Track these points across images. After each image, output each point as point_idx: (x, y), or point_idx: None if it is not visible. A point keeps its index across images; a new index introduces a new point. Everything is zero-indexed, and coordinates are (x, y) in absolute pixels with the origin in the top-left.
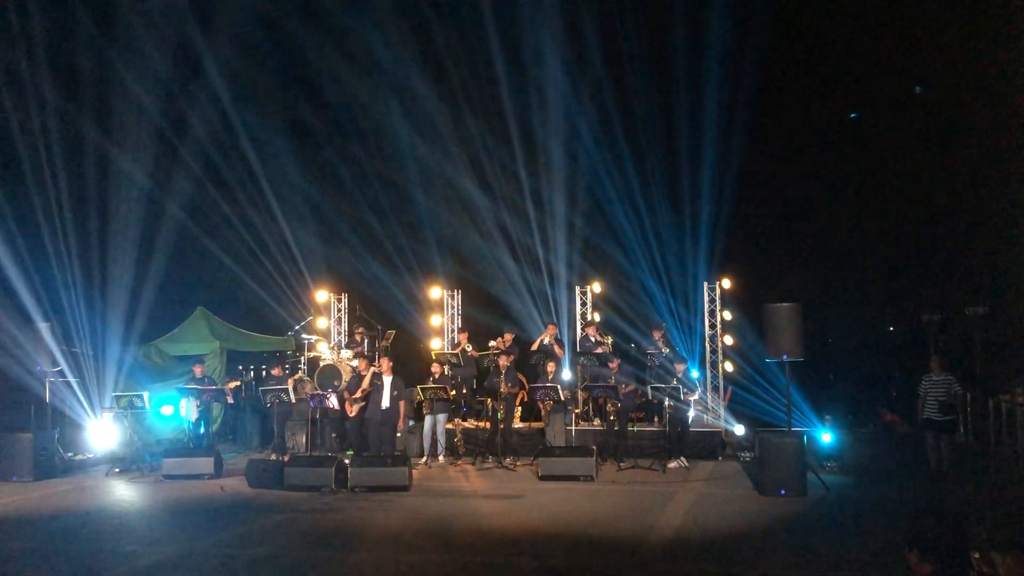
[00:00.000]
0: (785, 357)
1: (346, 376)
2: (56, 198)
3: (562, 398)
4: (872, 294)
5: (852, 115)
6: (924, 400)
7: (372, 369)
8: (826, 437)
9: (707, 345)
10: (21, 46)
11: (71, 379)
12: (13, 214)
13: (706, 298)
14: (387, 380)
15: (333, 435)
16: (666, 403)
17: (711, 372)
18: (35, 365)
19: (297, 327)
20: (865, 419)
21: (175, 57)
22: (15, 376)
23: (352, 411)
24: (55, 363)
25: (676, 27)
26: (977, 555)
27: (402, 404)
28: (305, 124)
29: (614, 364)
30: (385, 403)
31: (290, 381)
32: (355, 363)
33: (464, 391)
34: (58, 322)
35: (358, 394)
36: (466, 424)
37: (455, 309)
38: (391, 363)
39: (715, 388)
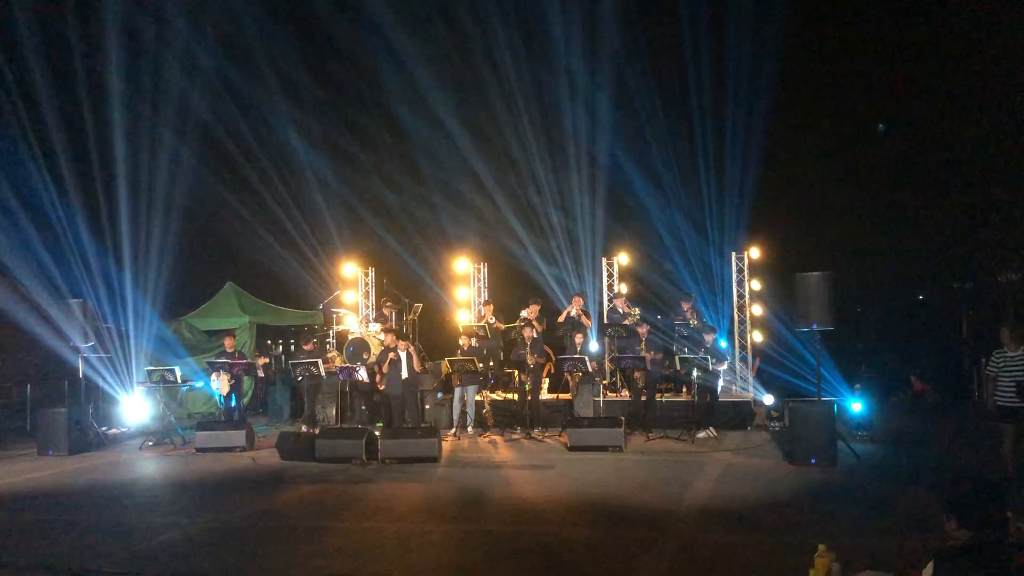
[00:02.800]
0: (815, 326)
1: (375, 350)
2: (88, 175)
3: (590, 369)
4: (901, 262)
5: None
6: (995, 381)
7: (389, 352)
8: (856, 406)
9: (735, 315)
10: (55, 17)
11: (104, 354)
12: (47, 192)
13: (734, 268)
14: (402, 354)
15: (363, 407)
16: (695, 373)
17: (739, 342)
18: (69, 341)
19: (327, 299)
20: (895, 388)
21: (205, 31)
22: (50, 352)
23: (382, 385)
24: (88, 339)
25: None
26: (1015, 522)
27: (419, 367)
28: (332, 97)
29: (643, 329)
30: (404, 374)
31: (335, 358)
32: (383, 336)
33: (491, 363)
34: (91, 298)
35: (385, 368)
36: (494, 396)
37: (482, 282)
38: (399, 337)
39: (743, 358)
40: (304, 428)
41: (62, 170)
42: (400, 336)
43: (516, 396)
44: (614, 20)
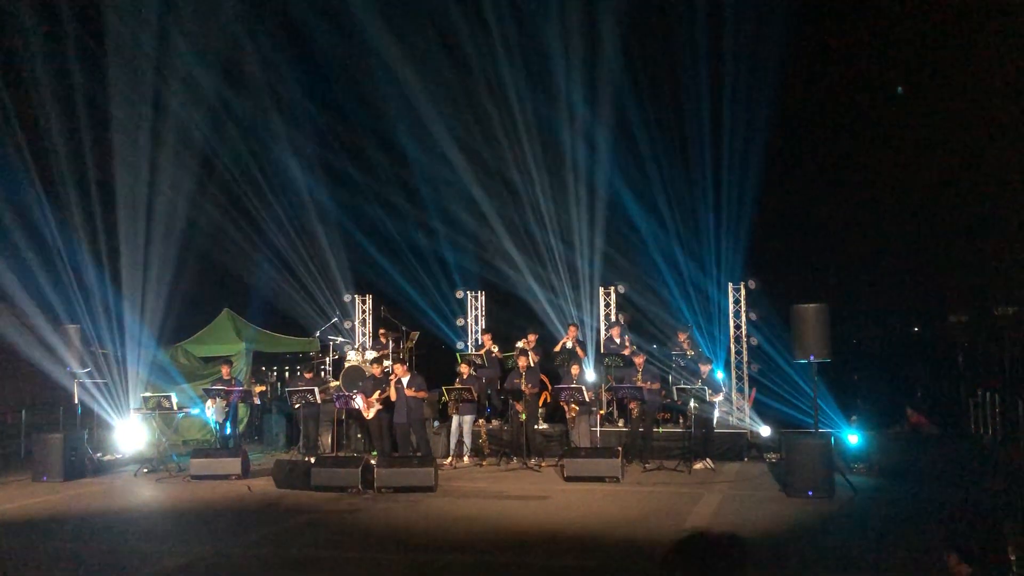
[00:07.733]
0: (812, 358)
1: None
2: (86, 200)
3: (587, 399)
4: (897, 294)
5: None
6: None
7: (392, 379)
8: (853, 438)
9: (732, 346)
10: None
11: (100, 380)
12: (44, 217)
13: (731, 299)
14: (405, 380)
15: (359, 435)
16: (691, 404)
17: (736, 373)
18: (65, 367)
19: (323, 327)
20: (892, 420)
21: (208, 68)
22: (46, 377)
23: (369, 414)
24: (84, 364)
25: (695, 18)
26: (1015, 556)
27: (422, 393)
28: (333, 124)
29: (640, 359)
30: (408, 404)
31: (332, 386)
32: (377, 366)
33: (488, 392)
34: (87, 323)
35: (375, 396)
36: (491, 425)
37: (479, 310)
38: (405, 365)
39: (740, 389)
40: (303, 453)
41: (59, 195)
42: (396, 362)
43: (511, 425)
44: (614, 53)
